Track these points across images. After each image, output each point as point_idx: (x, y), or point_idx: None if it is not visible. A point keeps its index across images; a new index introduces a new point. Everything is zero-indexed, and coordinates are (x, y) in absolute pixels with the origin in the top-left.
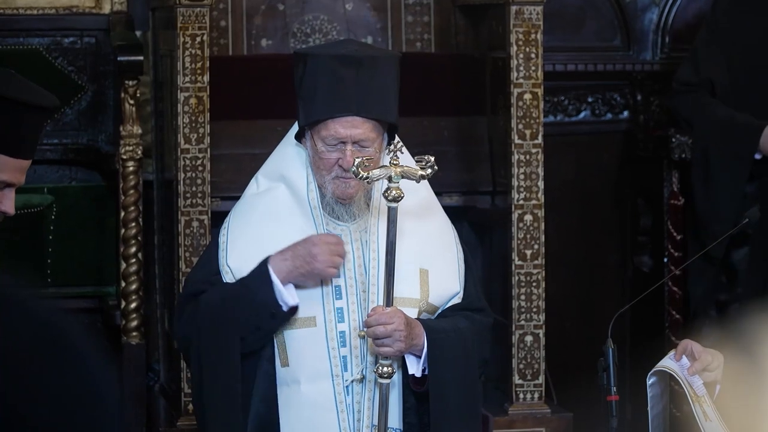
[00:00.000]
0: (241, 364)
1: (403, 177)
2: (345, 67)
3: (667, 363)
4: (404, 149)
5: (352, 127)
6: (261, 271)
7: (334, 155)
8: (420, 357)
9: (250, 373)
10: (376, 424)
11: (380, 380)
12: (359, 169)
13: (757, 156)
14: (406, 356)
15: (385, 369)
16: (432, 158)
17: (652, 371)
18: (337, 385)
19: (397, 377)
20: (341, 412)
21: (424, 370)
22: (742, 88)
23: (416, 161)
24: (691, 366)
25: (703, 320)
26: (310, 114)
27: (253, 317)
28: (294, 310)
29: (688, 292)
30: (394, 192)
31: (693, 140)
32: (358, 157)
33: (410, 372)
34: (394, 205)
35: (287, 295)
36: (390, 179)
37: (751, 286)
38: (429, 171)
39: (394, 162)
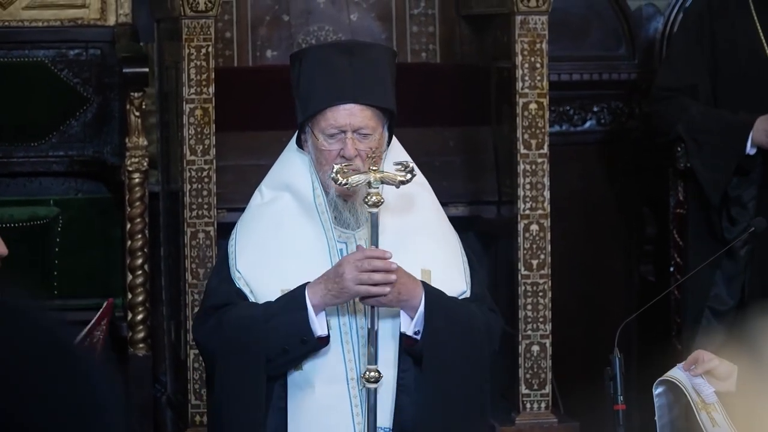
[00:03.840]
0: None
1: (382, 182)
2: (339, 55)
3: (674, 373)
4: (416, 169)
5: (351, 114)
6: (296, 295)
7: (335, 147)
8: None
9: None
10: (386, 426)
11: (368, 385)
12: (338, 175)
13: (751, 151)
14: (401, 314)
15: (372, 374)
16: (411, 163)
17: (658, 380)
18: (352, 389)
19: (391, 376)
20: (356, 415)
21: (417, 333)
22: (722, 90)
23: (394, 165)
24: (695, 369)
25: (706, 327)
26: (308, 107)
27: (283, 339)
28: (324, 341)
29: (686, 300)
30: (374, 197)
31: (683, 137)
32: (336, 164)
33: (402, 330)
34: (374, 210)
35: (317, 324)
36: (369, 185)
37: (754, 289)
38: (409, 176)
39: (374, 168)
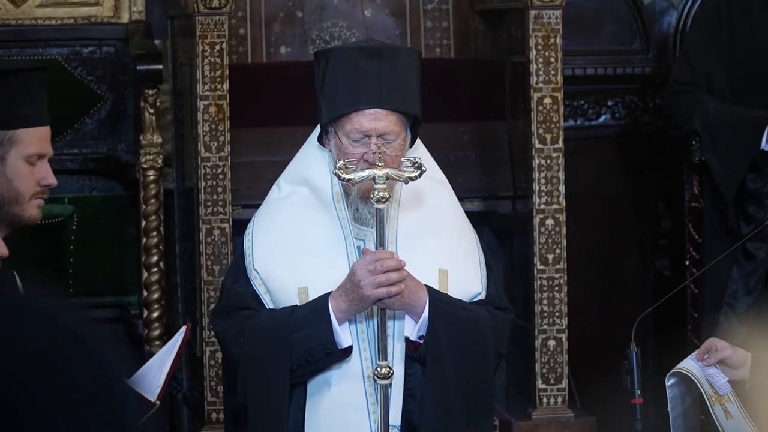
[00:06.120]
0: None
1: (388, 179)
2: (366, 59)
3: (686, 364)
4: (424, 166)
5: (376, 119)
6: (320, 307)
7: (359, 150)
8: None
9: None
10: (396, 423)
11: (379, 381)
12: (341, 172)
13: (766, 147)
14: (406, 318)
15: (383, 370)
16: (420, 159)
17: (671, 372)
18: (368, 387)
19: (399, 372)
20: (373, 413)
21: (421, 338)
22: (739, 84)
23: (403, 161)
24: (708, 358)
25: (724, 324)
26: (334, 109)
27: (307, 352)
28: (348, 351)
29: (703, 296)
30: (379, 193)
31: (699, 130)
32: (340, 160)
33: (405, 334)
34: (380, 206)
35: (341, 336)
36: (374, 180)
37: None
38: (417, 173)
39: (380, 164)
